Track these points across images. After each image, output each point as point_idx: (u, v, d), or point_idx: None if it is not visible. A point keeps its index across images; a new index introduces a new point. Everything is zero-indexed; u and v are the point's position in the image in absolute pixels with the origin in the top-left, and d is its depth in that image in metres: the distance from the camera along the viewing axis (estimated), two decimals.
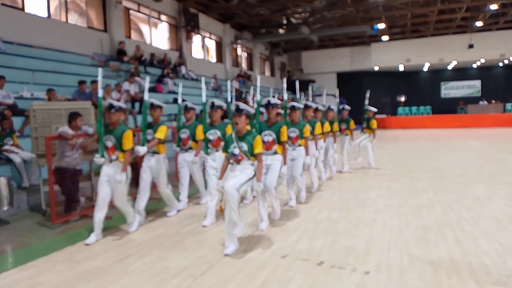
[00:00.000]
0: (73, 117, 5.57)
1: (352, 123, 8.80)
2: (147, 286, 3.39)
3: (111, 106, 4.74)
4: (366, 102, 9.77)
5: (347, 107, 8.94)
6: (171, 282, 3.44)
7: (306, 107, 6.60)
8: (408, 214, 5.32)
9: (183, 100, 6.10)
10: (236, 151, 4.15)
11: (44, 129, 5.87)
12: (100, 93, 4.66)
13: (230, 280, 3.44)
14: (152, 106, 5.41)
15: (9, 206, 5.57)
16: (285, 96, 5.56)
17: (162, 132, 5.31)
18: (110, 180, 4.66)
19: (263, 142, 4.72)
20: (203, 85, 5.35)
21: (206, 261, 3.88)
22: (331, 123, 7.94)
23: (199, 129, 5.71)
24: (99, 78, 4.61)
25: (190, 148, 5.93)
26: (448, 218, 5.08)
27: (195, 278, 3.49)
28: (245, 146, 4.14)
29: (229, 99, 5.36)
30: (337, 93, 10.64)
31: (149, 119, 5.50)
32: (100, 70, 4.70)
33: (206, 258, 3.95)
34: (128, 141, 4.67)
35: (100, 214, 4.60)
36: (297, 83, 6.97)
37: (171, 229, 5.04)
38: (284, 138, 4.93)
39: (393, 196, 6.44)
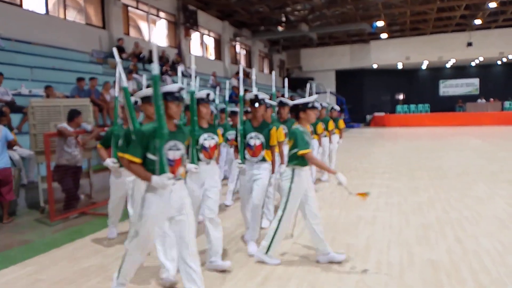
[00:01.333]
0: (74, 115, 5.56)
1: (330, 123, 7.94)
2: (148, 282, 3.38)
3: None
4: (327, 100, 9.46)
5: (325, 104, 8.23)
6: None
7: (281, 104, 5.49)
8: (408, 213, 5.32)
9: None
10: None
11: (42, 126, 5.87)
12: (124, 78, 3.32)
13: (231, 276, 3.44)
14: None
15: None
16: (255, 91, 4.63)
17: None
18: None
19: (249, 146, 4.11)
20: (179, 73, 4.61)
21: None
22: (315, 124, 7.03)
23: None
24: (116, 59, 3.38)
25: None
26: (449, 216, 5.08)
27: None
28: None
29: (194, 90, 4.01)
30: (312, 90, 9.20)
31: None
32: (114, 49, 3.69)
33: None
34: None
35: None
36: (273, 73, 5.84)
37: None
38: (273, 142, 4.18)
39: (393, 194, 6.44)
